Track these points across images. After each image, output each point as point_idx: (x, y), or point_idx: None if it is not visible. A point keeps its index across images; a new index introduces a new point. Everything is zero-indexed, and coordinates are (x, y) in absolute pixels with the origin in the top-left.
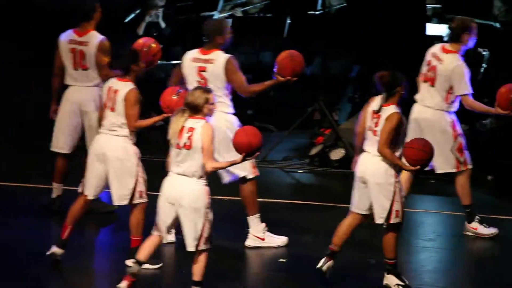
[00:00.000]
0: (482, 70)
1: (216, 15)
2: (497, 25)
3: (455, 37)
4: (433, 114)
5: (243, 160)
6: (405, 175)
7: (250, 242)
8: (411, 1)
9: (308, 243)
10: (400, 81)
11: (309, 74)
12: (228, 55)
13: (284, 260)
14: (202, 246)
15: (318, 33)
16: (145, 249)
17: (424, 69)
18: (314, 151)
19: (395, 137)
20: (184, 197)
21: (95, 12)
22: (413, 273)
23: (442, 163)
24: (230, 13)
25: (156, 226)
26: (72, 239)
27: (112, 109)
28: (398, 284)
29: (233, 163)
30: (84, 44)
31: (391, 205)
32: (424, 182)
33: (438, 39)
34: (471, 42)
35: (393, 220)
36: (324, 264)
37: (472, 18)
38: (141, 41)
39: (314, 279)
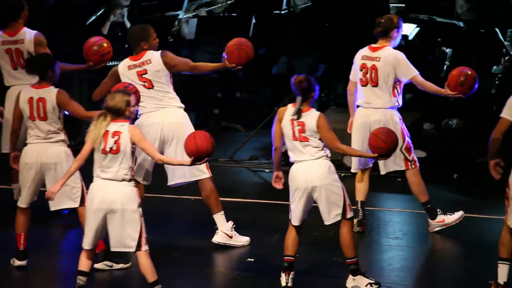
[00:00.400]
0: (445, 68)
1: (181, 14)
2: (460, 23)
3: (384, 33)
4: (383, 114)
5: (192, 164)
6: (359, 178)
7: (218, 238)
8: (375, 0)
9: (275, 242)
10: (314, 85)
11: (275, 73)
12: (159, 51)
13: (251, 260)
14: (145, 247)
15: (283, 33)
16: (85, 260)
17: (359, 74)
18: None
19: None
20: (116, 202)
21: (22, 10)
22: (381, 271)
23: (391, 162)
24: (194, 13)
25: (84, 237)
26: (37, 240)
27: (43, 119)
28: (370, 283)
29: (181, 164)
30: (20, 42)
31: (344, 201)
32: (390, 181)
33: (402, 38)
34: (398, 38)
35: (348, 214)
36: (287, 280)
37: (435, 16)
38: (92, 39)
39: (278, 277)
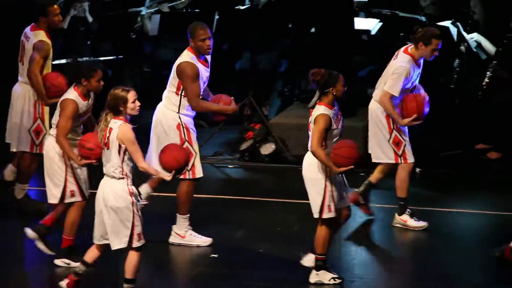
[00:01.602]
0: None
1: (144, 10)
2: (423, 18)
3: (414, 41)
4: (372, 104)
5: (174, 177)
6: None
7: (171, 238)
8: None
9: (239, 237)
10: (334, 81)
11: (238, 69)
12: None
13: (215, 256)
14: (136, 244)
15: (246, 28)
16: (92, 252)
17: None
18: (244, 146)
19: (325, 136)
20: (107, 198)
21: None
22: (344, 265)
23: (380, 153)
24: (157, 8)
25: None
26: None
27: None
28: (333, 278)
29: (161, 178)
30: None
31: (323, 200)
32: (354, 175)
33: (365, 33)
34: (425, 52)
35: (325, 215)
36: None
37: (398, 11)
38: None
39: (245, 274)
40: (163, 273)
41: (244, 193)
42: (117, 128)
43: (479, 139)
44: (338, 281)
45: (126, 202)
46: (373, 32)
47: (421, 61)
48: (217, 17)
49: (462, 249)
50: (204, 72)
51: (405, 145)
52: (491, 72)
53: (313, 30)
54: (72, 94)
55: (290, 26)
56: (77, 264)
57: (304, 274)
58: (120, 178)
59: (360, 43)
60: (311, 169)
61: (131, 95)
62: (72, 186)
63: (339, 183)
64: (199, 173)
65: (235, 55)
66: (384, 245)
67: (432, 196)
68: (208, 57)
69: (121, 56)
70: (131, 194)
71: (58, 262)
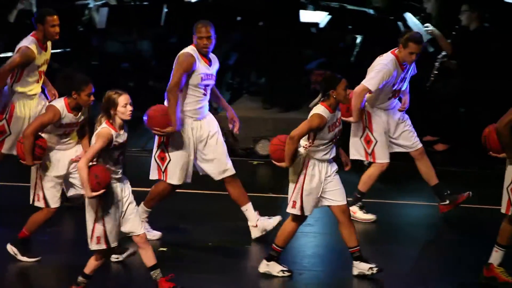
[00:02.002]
0: (354, 54)
1: (91, 3)
2: (371, 11)
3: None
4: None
5: (93, 197)
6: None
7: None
8: None
9: (188, 230)
10: (334, 84)
11: None
12: None
13: (164, 249)
14: (93, 246)
15: (195, 21)
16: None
17: None
18: None
19: (310, 134)
20: None
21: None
22: (293, 258)
23: (354, 150)
24: (104, 1)
25: None
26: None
27: None
28: (282, 270)
29: (84, 189)
30: None
31: (292, 193)
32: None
33: (314, 26)
34: (404, 55)
35: (289, 209)
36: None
37: (346, 4)
38: None
39: (195, 267)
40: (107, 266)
41: (192, 186)
42: (99, 130)
43: (426, 131)
44: (286, 274)
45: (92, 204)
46: (321, 25)
47: (409, 66)
48: (165, 10)
49: (410, 240)
50: (204, 69)
51: (375, 144)
52: (439, 64)
53: (261, 23)
54: (59, 102)
55: (238, 19)
56: (24, 258)
57: (251, 265)
58: None
59: (308, 36)
60: (291, 168)
61: (122, 99)
62: (39, 190)
63: (318, 183)
64: (170, 179)
65: (184, 48)
66: (331, 237)
67: (380, 188)
68: (214, 57)
69: (69, 49)
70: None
71: (8, 247)
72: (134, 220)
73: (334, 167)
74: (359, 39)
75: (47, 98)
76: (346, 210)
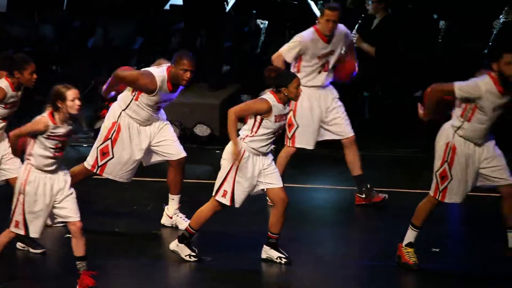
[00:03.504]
0: (261, 40)
1: None
2: None
3: None
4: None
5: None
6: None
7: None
8: None
9: (95, 216)
10: (287, 82)
11: (91, 46)
12: None
13: (69, 236)
14: (12, 228)
15: (98, 4)
16: None
17: None
18: (99, 124)
19: (250, 113)
20: None
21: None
22: (202, 242)
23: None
24: None
25: None
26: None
27: None
28: (190, 255)
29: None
30: None
31: (222, 183)
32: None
33: None
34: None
35: (218, 197)
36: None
37: None
38: None
39: (103, 252)
40: (56, 259)
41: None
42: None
43: None
44: (193, 259)
45: (18, 186)
46: (226, 10)
47: (336, 36)
48: None
49: (316, 223)
50: (164, 94)
51: (296, 128)
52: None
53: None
54: (3, 83)
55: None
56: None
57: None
58: (27, 164)
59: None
60: (225, 152)
61: (70, 93)
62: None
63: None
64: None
65: (87, 32)
66: (237, 224)
67: (290, 173)
68: (180, 88)
69: None
70: (25, 181)
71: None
72: (70, 207)
73: (270, 158)
74: (264, 24)
75: None
76: (283, 196)
